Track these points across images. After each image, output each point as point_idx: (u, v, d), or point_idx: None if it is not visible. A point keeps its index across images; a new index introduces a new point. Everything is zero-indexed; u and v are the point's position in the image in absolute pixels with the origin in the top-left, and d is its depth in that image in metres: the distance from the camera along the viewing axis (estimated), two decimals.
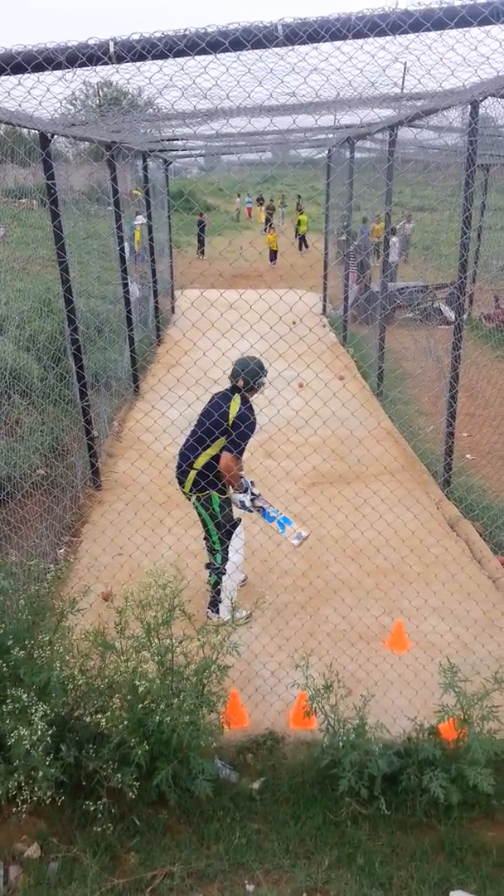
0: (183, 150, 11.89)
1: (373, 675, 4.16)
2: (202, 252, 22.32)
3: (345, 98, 5.05)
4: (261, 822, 3.32)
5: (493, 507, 6.10)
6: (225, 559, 4.65)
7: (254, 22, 3.02)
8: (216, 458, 4.48)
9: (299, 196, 31.95)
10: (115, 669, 3.26)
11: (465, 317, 6.16)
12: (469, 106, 5.46)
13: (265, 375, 4.60)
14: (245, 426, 4.42)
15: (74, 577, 5.14)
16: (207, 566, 5.04)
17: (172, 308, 14.72)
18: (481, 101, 5.41)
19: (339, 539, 5.40)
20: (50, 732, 3.04)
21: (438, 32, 3.11)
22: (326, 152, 13.06)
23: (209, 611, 4.81)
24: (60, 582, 4.91)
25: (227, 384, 4.69)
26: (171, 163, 13.96)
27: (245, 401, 4.52)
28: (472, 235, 6.71)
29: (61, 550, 5.52)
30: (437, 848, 3.18)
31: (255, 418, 4.52)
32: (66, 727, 3.28)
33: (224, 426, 4.44)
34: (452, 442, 6.36)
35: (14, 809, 3.16)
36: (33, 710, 3.04)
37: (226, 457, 4.45)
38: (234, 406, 4.47)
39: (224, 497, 4.59)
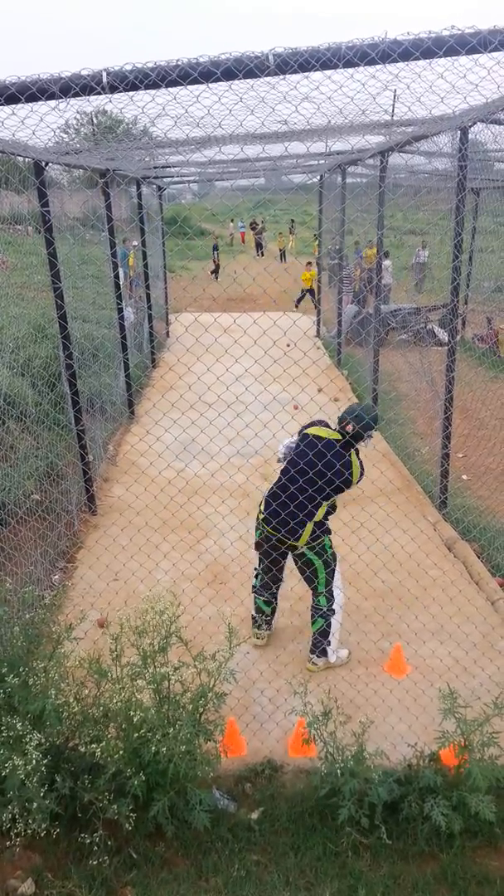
0: (176, 176, 12.01)
1: (372, 700, 4.12)
2: (216, 274, 22.81)
3: (336, 125, 5.12)
4: (260, 854, 3.25)
5: (489, 528, 6.08)
6: (331, 600, 4.40)
7: (245, 52, 3.06)
8: (330, 507, 4.31)
9: (292, 220, 32.35)
10: (111, 698, 3.22)
11: (458, 338, 6.19)
12: (459, 131, 5.54)
13: (373, 430, 4.31)
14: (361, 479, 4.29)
15: (69, 604, 5.09)
16: (254, 589, 4.72)
17: (167, 332, 14.78)
18: (470, 126, 5.49)
19: None
20: (45, 762, 2.99)
21: (428, 61, 3.15)
22: (318, 178, 13.22)
23: (312, 657, 4.48)
24: (56, 608, 4.87)
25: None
26: (164, 189, 14.10)
27: (358, 455, 4.31)
28: (463, 258, 6.78)
29: (56, 576, 5.47)
30: (439, 878, 3.12)
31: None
32: (62, 757, 3.23)
33: (343, 484, 4.21)
34: (448, 463, 6.36)
35: (8, 843, 3.10)
36: (28, 740, 3.00)
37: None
38: (356, 467, 4.24)
39: (330, 537, 4.40)
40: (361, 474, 4.29)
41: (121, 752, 3.07)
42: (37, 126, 3.87)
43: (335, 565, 4.41)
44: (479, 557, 5.74)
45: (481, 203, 12.57)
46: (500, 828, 3.23)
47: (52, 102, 3.27)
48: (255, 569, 4.64)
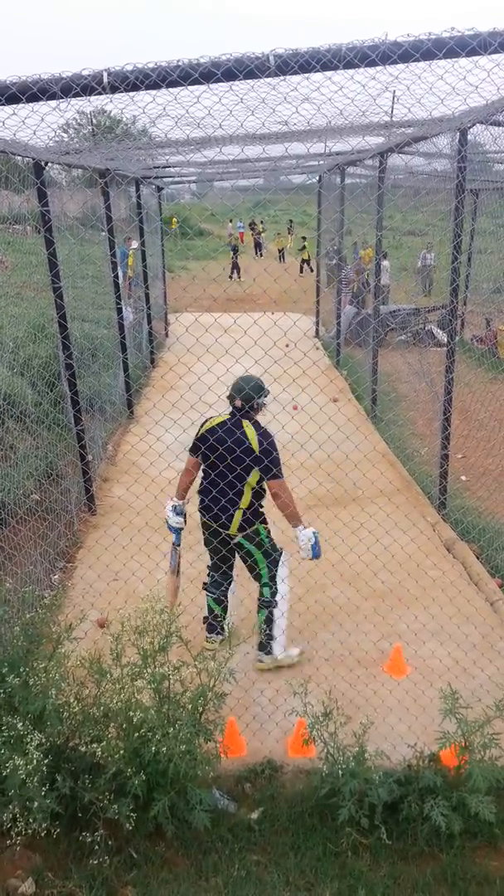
0: (176, 176, 12.02)
1: (372, 700, 4.12)
2: (237, 276, 22.96)
3: (336, 126, 5.12)
4: (260, 854, 3.26)
5: (488, 528, 6.09)
6: (274, 590, 4.40)
7: (246, 53, 3.07)
8: (256, 491, 4.28)
9: (290, 221, 32.38)
10: (111, 697, 3.22)
11: (457, 340, 6.20)
12: (458, 133, 5.54)
13: (266, 395, 4.32)
14: (273, 448, 4.20)
15: (70, 604, 5.09)
16: (204, 586, 4.81)
17: (166, 332, 14.79)
18: (469, 128, 5.49)
19: (336, 563, 5.37)
20: (45, 762, 2.99)
21: (427, 62, 3.16)
22: (318, 179, 13.23)
23: (260, 654, 4.49)
24: (56, 608, 4.87)
25: (221, 407, 4.67)
26: (163, 189, 14.10)
27: (256, 423, 4.29)
28: (462, 259, 6.78)
29: (56, 576, 5.47)
30: (439, 879, 3.12)
31: (271, 434, 4.27)
32: (62, 757, 3.23)
33: (252, 457, 4.17)
34: (447, 464, 6.36)
35: (8, 842, 3.10)
36: (29, 739, 3.00)
37: (279, 485, 4.21)
38: (251, 434, 4.20)
39: (268, 527, 4.40)
40: (263, 440, 4.18)
41: (121, 751, 3.08)
42: (38, 126, 3.87)
43: (277, 556, 4.42)
44: (478, 558, 5.74)
45: (480, 204, 12.57)
46: (499, 828, 3.23)
47: (53, 102, 3.27)
48: (208, 565, 4.68)
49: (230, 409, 4.35)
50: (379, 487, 6.67)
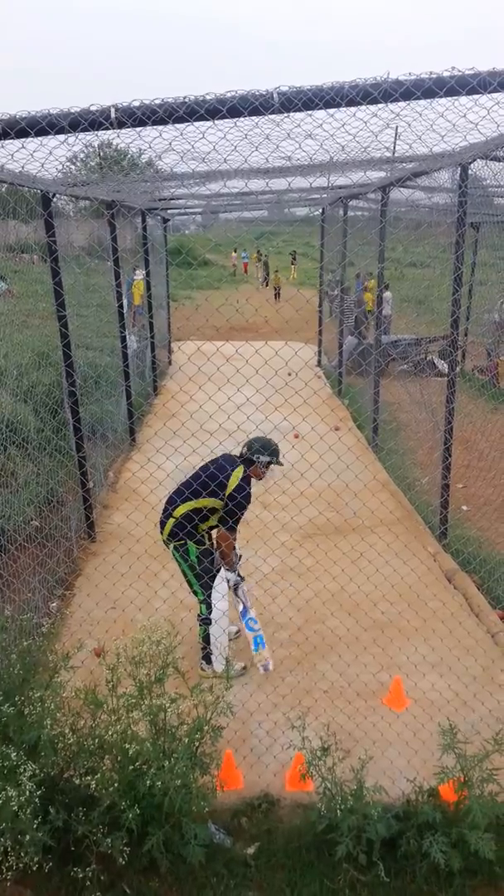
0: (181, 208, 12.20)
1: (371, 734, 4.07)
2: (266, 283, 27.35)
3: (338, 161, 5.21)
4: (256, 890, 3.20)
5: (489, 559, 6.06)
6: (210, 608, 4.58)
7: (251, 90, 3.14)
8: (196, 511, 4.49)
9: (293, 252, 32.68)
10: (106, 729, 3.18)
11: (458, 370, 6.23)
12: (459, 168, 5.63)
13: (268, 457, 4.59)
14: (241, 499, 4.44)
15: (67, 632, 5.06)
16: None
17: (169, 360, 14.89)
18: (470, 163, 5.58)
19: (335, 593, 5.35)
20: (38, 794, 2.95)
21: (428, 100, 3.23)
22: (321, 211, 13.41)
23: (202, 663, 4.69)
24: (53, 636, 4.84)
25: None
26: (169, 220, 14.30)
27: (246, 476, 4.51)
28: (463, 292, 6.85)
29: (54, 604, 5.44)
30: None
31: (249, 493, 4.52)
32: (56, 789, 3.18)
33: (217, 487, 4.44)
34: (448, 494, 6.36)
35: None
36: (22, 770, 2.96)
37: (224, 536, 4.51)
38: (235, 477, 4.46)
39: (202, 548, 4.56)
40: (238, 492, 4.42)
41: (115, 784, 3.04)
42: (46, 159, 3.95)
43: (210, 580, 4.58)
44: (479, 589, 5.71)
45: (481, 237, 12.71)
46: (499, 866, 3.17)
47: (62, 136, 3.34)
48: None
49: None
50: (379, 517, 6.65)
